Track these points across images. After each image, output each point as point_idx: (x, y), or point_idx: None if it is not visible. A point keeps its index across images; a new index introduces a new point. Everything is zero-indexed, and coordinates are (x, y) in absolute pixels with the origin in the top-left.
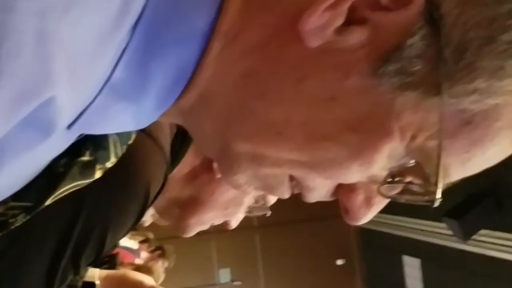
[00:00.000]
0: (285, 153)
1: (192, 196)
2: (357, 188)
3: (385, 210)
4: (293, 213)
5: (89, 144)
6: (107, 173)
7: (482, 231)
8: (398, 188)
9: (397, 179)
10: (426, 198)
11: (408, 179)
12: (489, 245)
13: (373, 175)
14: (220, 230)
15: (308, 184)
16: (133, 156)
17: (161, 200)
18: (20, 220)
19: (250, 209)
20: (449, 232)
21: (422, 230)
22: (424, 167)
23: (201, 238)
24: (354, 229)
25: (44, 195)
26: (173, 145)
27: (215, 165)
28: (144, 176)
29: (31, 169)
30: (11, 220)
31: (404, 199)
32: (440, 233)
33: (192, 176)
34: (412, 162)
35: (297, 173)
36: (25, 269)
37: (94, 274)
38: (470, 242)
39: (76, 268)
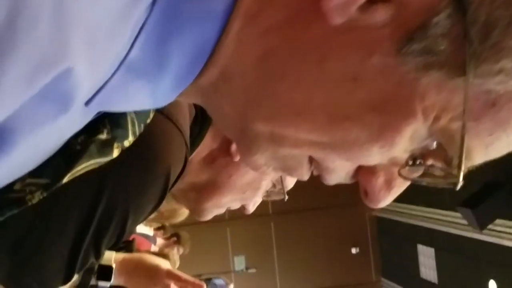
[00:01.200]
0: (305, 133)
1: (209, 179)
2: (378, 171)
3: (400, 199)
4: (308, 201)
5: (107, 122)
6: (128, 155)
7: (498, 221)
8: (419, 171)
9: (418, 161)
10: (447, 181)
11: (430, 162)
12: (505, 235)
13: (394, 157)
14: (235, 217)
15: (327, 166)
16: (154, 139)
17: (179, 184)
18: (37, 197)
19: (268, 194)
20: (464, 221)
21: (437, 219)
22: (447, 150)
23: (216, 226)
24: (369, 217)
25: (62, 172)
26: (192, 128)
27: (233, 148)
28: (165, 160)
29: (49, 145)
30: (28, 197)
31: (425, 182)
32: (455, 223)
33: (210, 159)
34: (434, 144)
35: (317, 154)
36: (47, 252)
37: (111, 257)
38: (485, 231)
39: (97, 251)
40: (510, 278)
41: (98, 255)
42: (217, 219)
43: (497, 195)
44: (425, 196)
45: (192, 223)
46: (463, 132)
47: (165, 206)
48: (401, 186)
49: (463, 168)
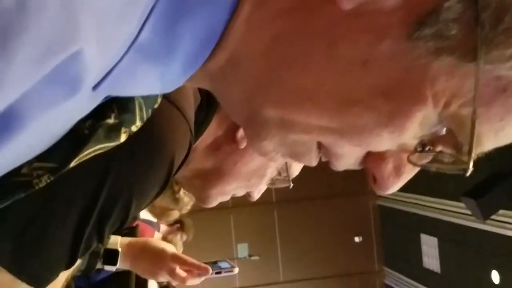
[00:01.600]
0: (314, 119)
1: (214, 166)
2: (387, 157)
3: (404, 189)
4: (312, 190)
5: (115, 107)
6: (133, 141)
7: (501, 212)
8: (428, 157)
9: (427, 148)
10: (456, 167)
11: (439, 148)
12: (508, 225)
13: (404, 143)
14: (239, 205)
15: (336, 151)
16: (159, 126)
17: (183, 171)
18: (44, 181)
19: (273, 181)
20: (468, 211)
21: (441, 209)
22: (456, 136)
23: (220, 213)
24: (373, 206)
25: (69, 156)
26: (197, 115)
27: (238, 135)
28: (169, 146)
29: (57, 129)
30: (35, 181)
31: (434, 168)
32: (459, 213)
33: (215, 146)
34: (444, 130)
35: (326, 140)
36: (50, 237)
37: (117, 241)
38: (488, 222)
39: (101, 236)
40: None
41: (101, 240)
42: (221, 206)
43: (501, 186)
44: (429, 186)
45: (195, 210)
46: (473, 117)
47: (159, 201)
48: (410, 173)
49: (473, 154)
